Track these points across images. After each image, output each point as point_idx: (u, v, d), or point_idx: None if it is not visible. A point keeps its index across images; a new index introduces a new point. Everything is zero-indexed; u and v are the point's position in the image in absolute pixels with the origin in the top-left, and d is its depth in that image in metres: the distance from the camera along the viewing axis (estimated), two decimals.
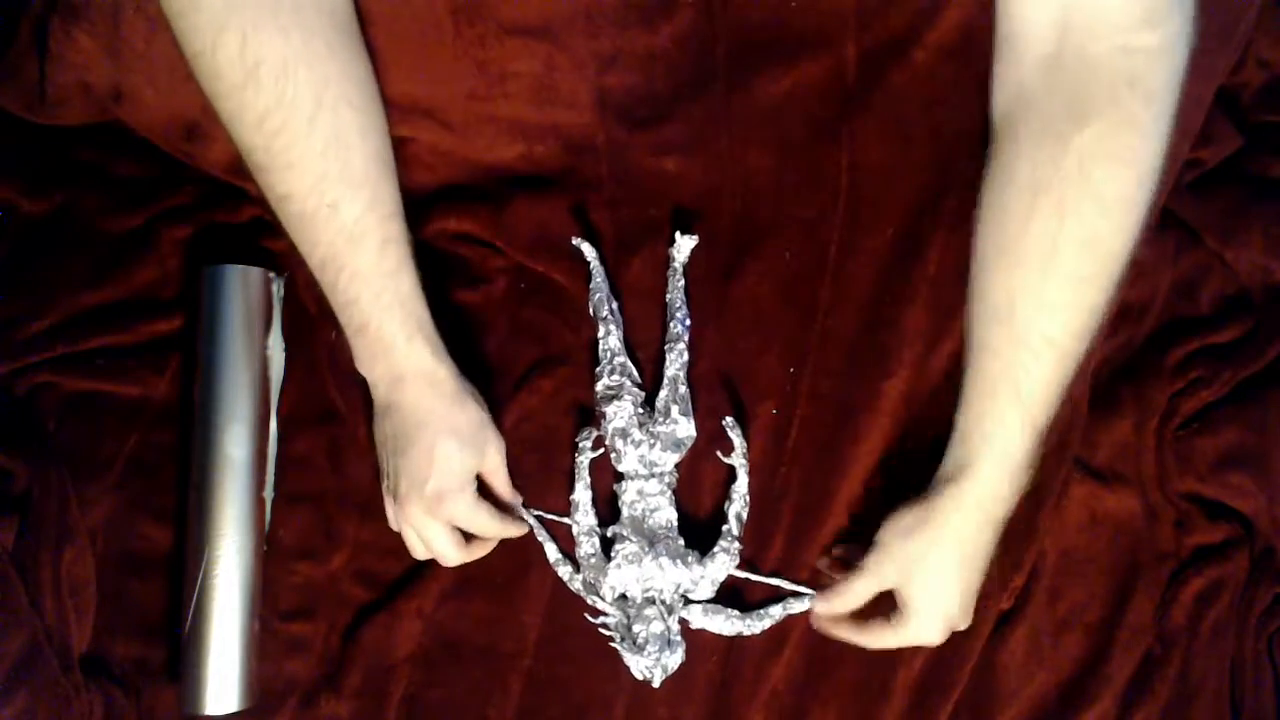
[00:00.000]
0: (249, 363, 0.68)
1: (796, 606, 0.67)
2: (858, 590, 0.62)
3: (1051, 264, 0.56)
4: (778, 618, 0.67)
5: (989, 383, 0.59)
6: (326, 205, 0.57)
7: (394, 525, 0.65)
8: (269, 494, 0.69)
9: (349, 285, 0.59)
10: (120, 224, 0.72)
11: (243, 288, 0.68)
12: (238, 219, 0.73)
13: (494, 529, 0.64)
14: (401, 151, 0.70)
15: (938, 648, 0.66)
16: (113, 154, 0.73)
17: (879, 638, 0.62)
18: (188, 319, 0.71)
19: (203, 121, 0.67)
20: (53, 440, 0.68)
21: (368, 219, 0.58)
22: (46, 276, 0.71)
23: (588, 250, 0.71)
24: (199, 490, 0.66)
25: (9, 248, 0.71)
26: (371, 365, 0.62)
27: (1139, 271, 0.70)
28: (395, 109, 0.66)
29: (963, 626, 0.62)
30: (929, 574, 0.60)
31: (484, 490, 0.65)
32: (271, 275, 0.70)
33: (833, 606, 0.63)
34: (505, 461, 0.65)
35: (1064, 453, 0.68)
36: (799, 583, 0.67)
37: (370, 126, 0.60)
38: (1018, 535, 0.68)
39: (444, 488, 0.61)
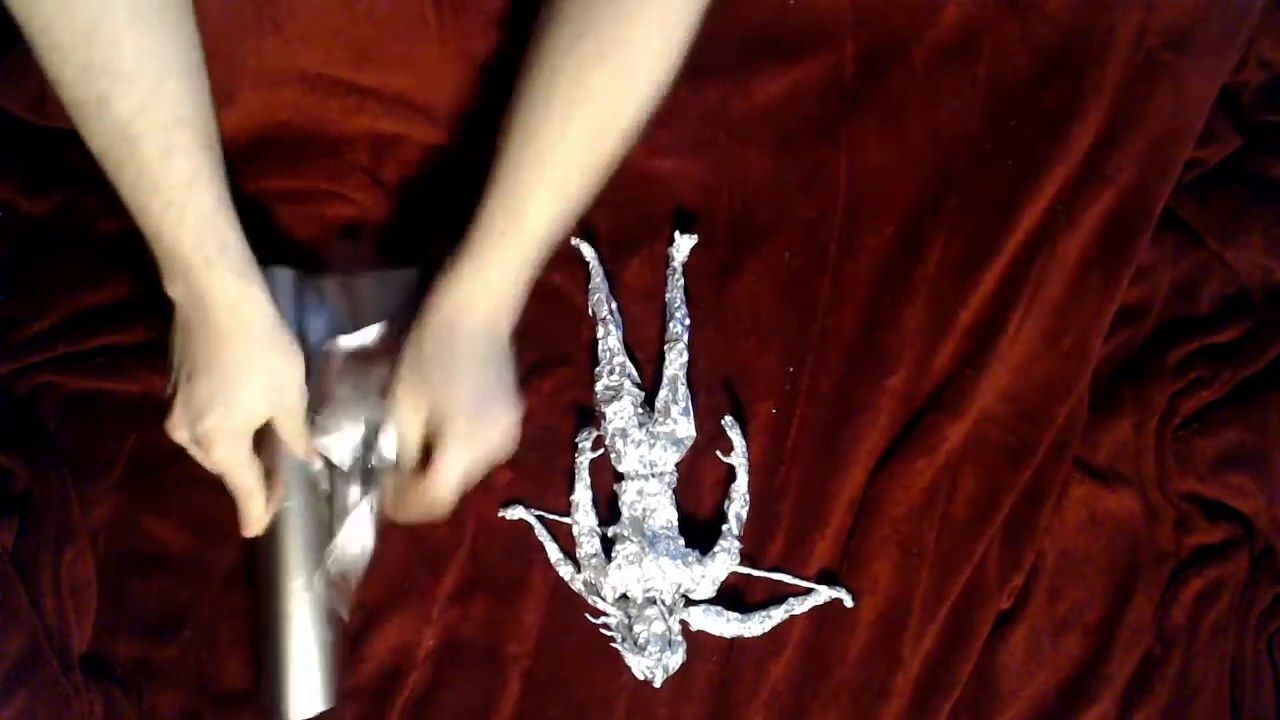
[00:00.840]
0: None
1: (798, 607, 0.67)
2: (403, 431, 0.60)
3: (576, 106, 0.55)
4: (778, 619, 0.67)
5: (493, 198, 0.58)
6: (95, 103, 0.52)
7: (167, 429, 0.62)
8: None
9: (132, 191, 0.54)
10: (121, 224, 0.72)
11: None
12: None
13: (249, 489, 0.61)
14: (394, 150, 0.70)
15: (937, 648, 0.67)
16: None
17: (432, 476, 0.59)
18: None
19: None
20: (53, 440, 0.68)
21: (142, 121, 0.52)
22: (47, 276, 0.71)
23: (587, 250, 0.71)
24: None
25: (9, 248, 0.71)
26: (171, 283, 0.57)
27: (1139, 272, 0.70)
28: (383, 103, 0.66)
29: (505, 441, 0.60)
30: (430, 377, 0.58)
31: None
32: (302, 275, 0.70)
33: (404, 463, 0.62)
34: (302, 421, 0.61)
35: (1063, 453, 0.69)
36: (801, 580, 0.67)
37: (148, 22, 0.52)
38: (1017, 535, 0.68)
39: (217, 431, 0.58)
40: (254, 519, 0.61)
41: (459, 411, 0.58)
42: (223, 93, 0.63)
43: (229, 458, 0.59)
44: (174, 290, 0.58)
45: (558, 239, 0.59)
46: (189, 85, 0.54)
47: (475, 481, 0.60)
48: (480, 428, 0.59)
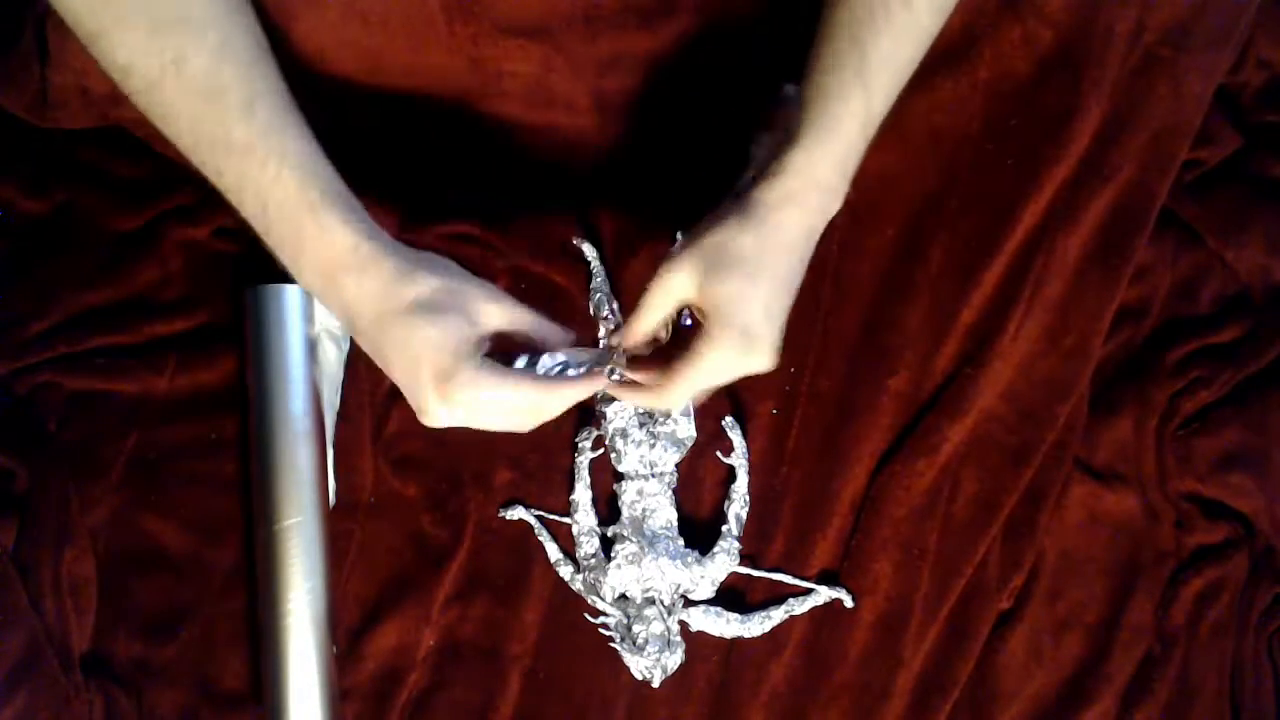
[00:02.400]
0: (295, 382, 0.67)
1: (798, 608, 0.67)
2: (653, 302, 0.55)
3: None
4: (778, 619, 0.67)
5: (834, 43, 0.54)
6: (170, 64, 0.49)
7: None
8: (332, 500, 0.69)
9: (227, 165, 0.50)
10: (121, 224, 0.72)
11: (281, 306, 0.67)
12: (239, 222, 0.72)
13: (529, 395, 0.53)
14: (398, 150, 0.71)
15: (938, 648, 0.67)
16: (113, 154, 0.73)
17: (677, 377, 0.54)
18: (240, 340, 0.70)
19: None
20: (53, 440, 0.68)
21: (223, 71, 0.49)
22: (47, 276, 0.71)
23: (588, 250, 0.71)
24: (266, 518, 0.66)
25: (9, 248, 0.71)
26: (300, 270, 0.52)
27: (1139, 271, 0.70)
28: (391, 107, 0.66)
29: (765, 362, 0.54)
30: (731, 267, 0.52)
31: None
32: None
33: (633, 331, 0.56)
34: (514, 306, 0.54)
35: (1064, 453, 0.69)
36: (801, 580, 0.67)
37: None
38: (1018, 535, 0.68)
39: (443, 374, 0.50)
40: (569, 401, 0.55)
41: (741, 321, 0.52)
42: None
43: (480, 388, 0.51)
44: (304, 275, 0.52)
45: (870, 138, 0.55)
46: (253, 29, 0.52)
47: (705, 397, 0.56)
48: (755, 349, 0.53)
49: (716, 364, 0.53)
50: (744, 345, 0.53)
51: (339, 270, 0.51)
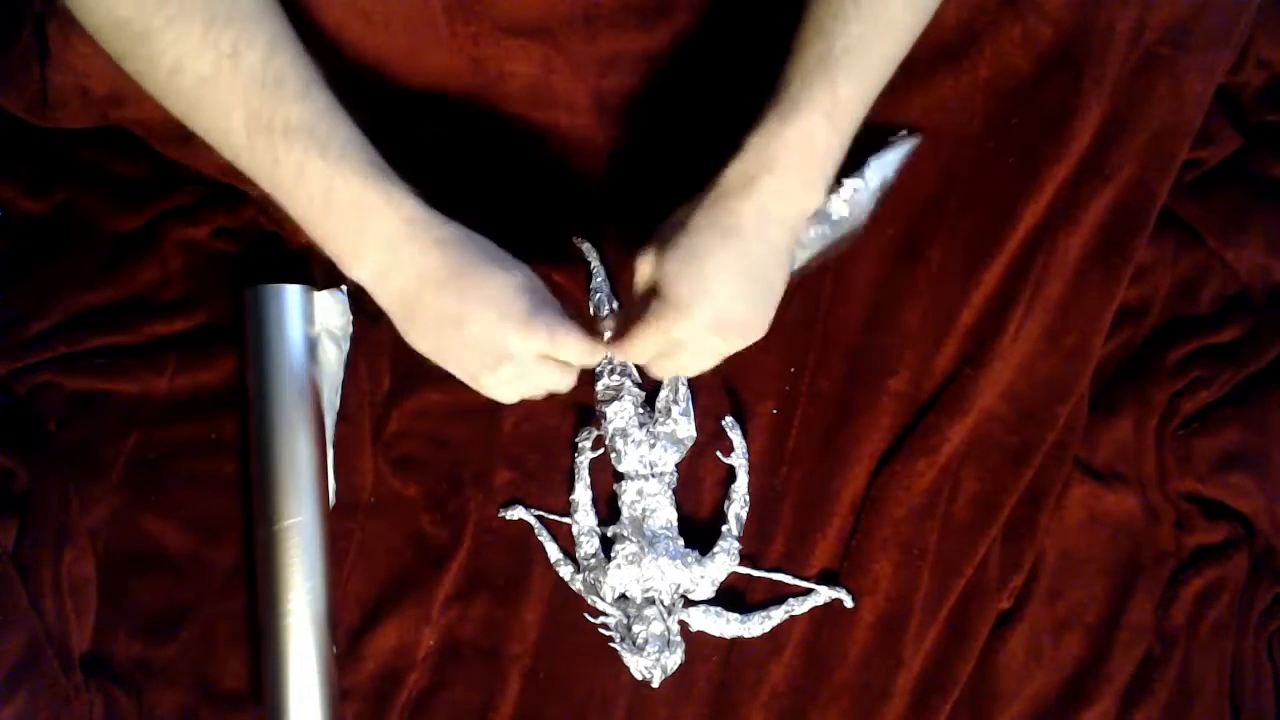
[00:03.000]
0: (295, 382, 0.67)
1: (798, 608, 0.67)
2: (636, 290, 0.57)
3: None
4: (778, 619, 0.67)
5: (803, 35, 0.54)
6: (227, 58, 0.50)
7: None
8: (332, 500, 0.69)
9: (286, 153, 0.51)
10: (121, 224, 0.72)
11: (281, 306, 0.68)
12: (239, 222, 0.73)
13: (580, 349, 0.56)
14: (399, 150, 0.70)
15: (938, 648, 0.67)
16: (113, 154, 0.73)
17: (632, 336, 0.56)
18: (240, 340, 0.70)
19: None
20: (53, 440, 0.68)
21: (279, 59, 0.51)
22: (47, 276, 0.71)
23: (588, 250, 0.71)
24: (266, 518, 0.66)
25: (9, 248, 0.71)
26: (361, 252, 0.53)
27: (1139, 271, 0.70)
28: (391, 107, 0.66)
29: (734, 335, 0.55)
30: (680, 244, 0.53)
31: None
32: (316, 291, 0.70)
33: (615, 326, 0.59)
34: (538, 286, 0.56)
35: (1064, 453, 0.69)
36: (801, 580, 0.67)
37: None
38: (1018, 535, 0.68)
39: (528, 311, 0.54)
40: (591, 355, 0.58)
41: (678, 296, 0.53)
42: None
43: (560, 353, 0.55)
44: (365, 263, 0.54)
45: (873, 101, 0.55)
46: (289, 22, 0.53)
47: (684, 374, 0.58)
48: (695, 325, 0.54)
49: (657, 336, 0.55)
50: (684, 320, 0.54)
51: (405, 241, 0.53)
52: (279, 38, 0.52)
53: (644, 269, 0.56)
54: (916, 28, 0.56)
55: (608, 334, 0.59)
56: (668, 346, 0.56)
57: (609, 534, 0.68)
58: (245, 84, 0.51)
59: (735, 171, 0.54)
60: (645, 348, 0.57)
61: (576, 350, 0.56)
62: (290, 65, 0.51)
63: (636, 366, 0.70)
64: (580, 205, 0.72)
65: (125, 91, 0.66)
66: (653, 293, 0.55)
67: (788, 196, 0.54)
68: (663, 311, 0.54)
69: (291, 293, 0.68)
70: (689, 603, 0.67)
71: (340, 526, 0.69)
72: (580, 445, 0.69)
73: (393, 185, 0.53)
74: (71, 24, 0.64)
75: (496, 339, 0.54)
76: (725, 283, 0.53)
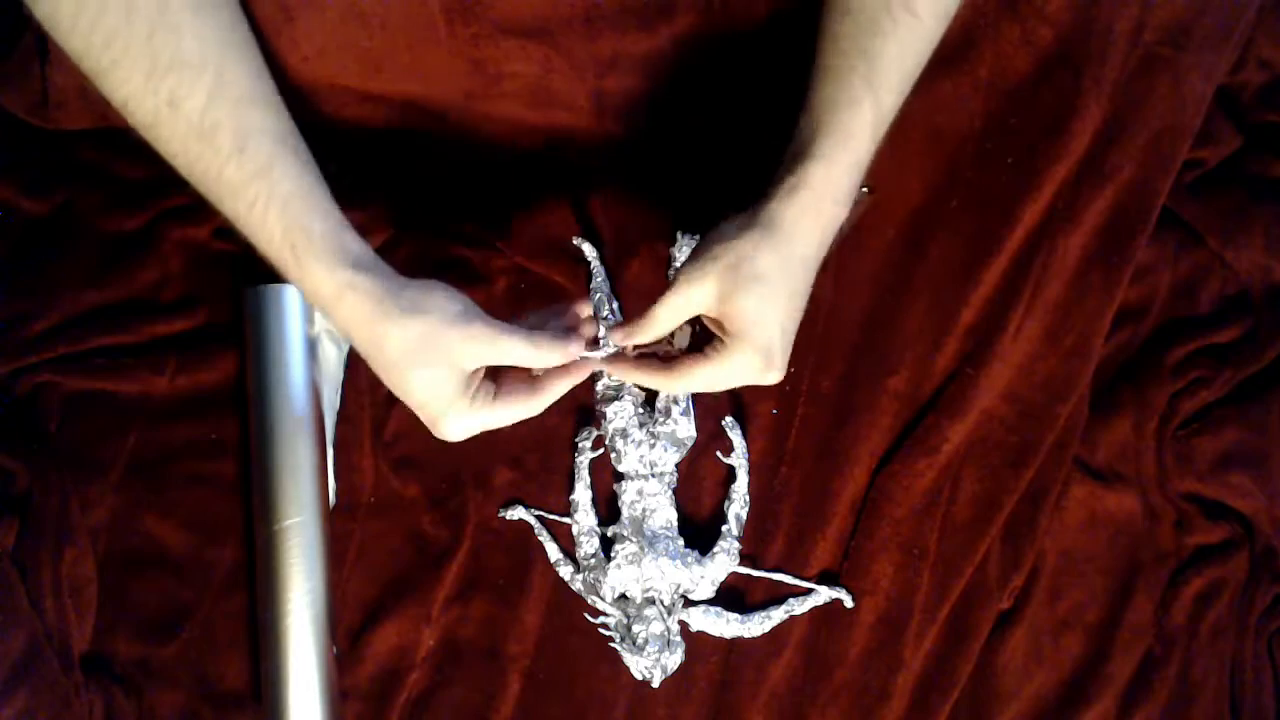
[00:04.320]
0: (295, 382, 0.67)
1: (798, 608, 0.67)
2: (665, 314, 0.56)
3: None
4: (778, 620, 0.67)
5: (840, 52, 0.54)
6: (166, 105, 0.50)
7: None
8: (332, 500, 0.69)
9: (220, 202, 0.52)
10: (121, 224, 0.72)
11: (281, 306, 0.68)
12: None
13: (512, 418, 0.56)
14: (400, 150, 0.71)
15: (938, 648, 0.67)
16: (114, 154, 0.73)
17: (686, 374, 0.56)
18: (240, 340, 0.70)
19: None
20: (53, 440, 0.68)
21: (215, 110, 0.50)
22: (47, 276, 0.71)
23: (588, 250, 0.71)
24: (266, 518, 0.66)
25: (9, 248, 0.71)
26: (305, 295, 0.54)
27: (1139, 272, 0.70)
28: (391, 107, 0.66)
29: (777, 376, 0.55)
30: (752, 286, 0.53)
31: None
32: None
33: (633, 335, 0.57)
34: (498, 338, 0.53)
35: (1064, 453, 0.69)
36: (801, 580, 0.67)
37: (203, 6, 0.51)
38: (1018, 535, 0.68)
39: (432, 414, 0.54)
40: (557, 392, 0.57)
41: (763, 341, 0.53)
42: None
43: (467, 426, 0.55)
44: (310, 300, 0.54)
45: (879, 142, 0.55)
46: (251, 64, 0.53)
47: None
48: (771, 365, 0.54)
49: (729, 375, 0.55)
50: (763, 363, 0.54)
51: (326, 305, 0.52)
52: (220, 86, 0.50)
53: (702, 298, 0.54)
54: (940, 34, 0.56)
55: (605, 332, 0.59)
56: (721, 380, 0.56)
57: (609, 534, 0.68)
58: (182, 133, 0.51)
59: (800, 203, 0.53)
60: (715, 384, 0.56)
61: (504, 420, 0.55)
62: (229, 117, 0.50)
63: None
64: (580, 204, 0.72)
65: None
66: (704, 321, 0.55)
67: (838, 220, 0.55)
68: (737, 351, 0.54)
69: (291, 293, 0.68)
70: (689, 603, 0.67)
71: (340, 526, 0.69)
72: (580, 445, 0.69)
73: (313, 255, 0.51)
74: None
75: (439, 348, 0.52)
76: (790, 323, 0.55)
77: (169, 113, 0.50)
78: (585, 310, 0.60)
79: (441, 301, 0.53)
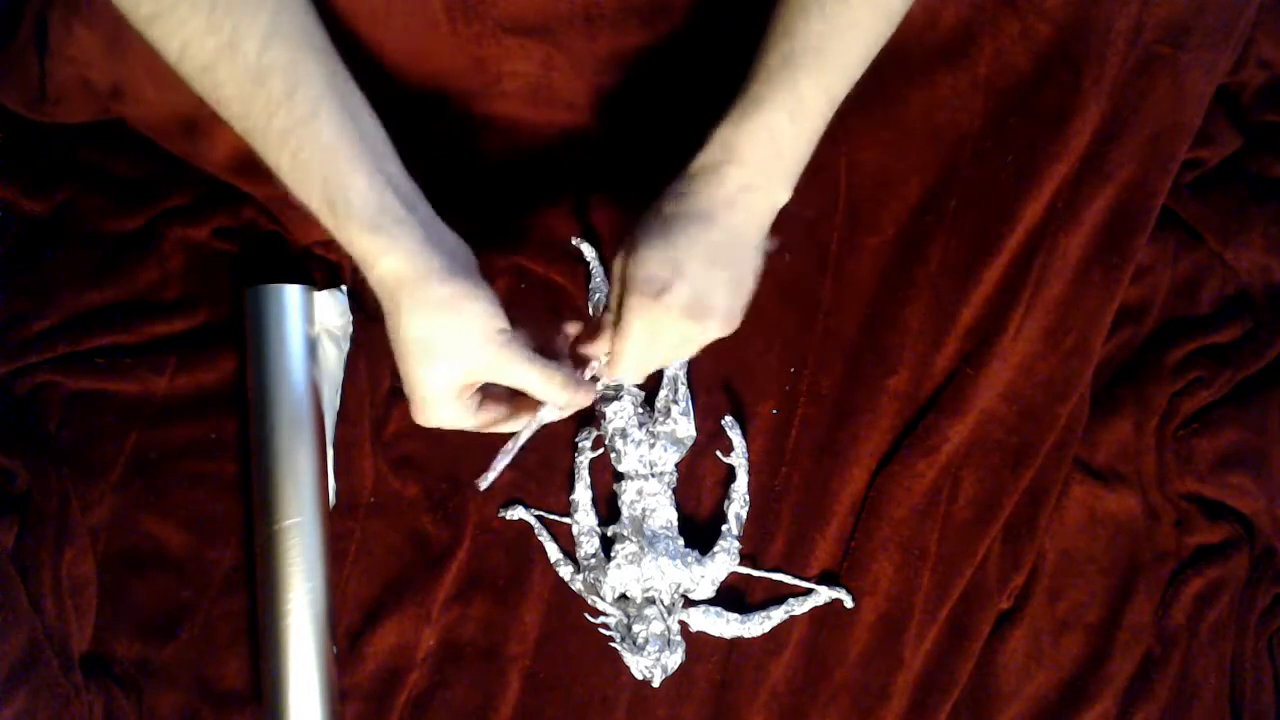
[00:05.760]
0: (295, 382, 0.67)
1: (798, 608, 0.67)
2: (613, 293, 0.56)
3: None
4: (778, 619, 0.67)
5: (769, 35, 0.55)
6: (226, 46, 0.49)
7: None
8: (332, 500, 0.69)
9: (269, 151, 0.51)
10: (121, 224, 0.72)
11: (281, 306, 0.68)
12: (239, 222, 0.73)
13: (486, 428, 0.57)
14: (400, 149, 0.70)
15: (938, 648, 0.67)
16: (114, 154, 0.73)
17: (619, 360, 0.57)
18: (240, 340, 0.70)
19: (202, 118, 0.67)
20: (53, 440, 0.68)
21: (270, 54, 0.49)
22: (47, 276, 0.71)
23: (588, 250, 0.71)
24: (266, 518, 0.66)
25: (9, 248, 0.71)
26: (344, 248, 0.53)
27: (1139, 271, 0.70)
28: (391, 106, 0.66)
29: (715, 323, 0.55)
30: (647, 234, 0.54)
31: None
32: (316, 291, 0.70)
33: (596, 346, 0.58)
34: (511, 363, 0.53)
35: (1064, 453, 0.69)
36: (801, 580, 0.67)
37: None
38: (1018, 535, 0.68)
39: (419, 397, 0.54)
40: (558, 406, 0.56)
41: (651, 284, 0.53)
42: None
43: (450, 419, 0.55)
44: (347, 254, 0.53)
45: (839, 101, 0.55)
46: (304, 5, 0.52)
47: (663, 365, 0.58)
48: (669, 311, 0.54)
49: (641, 330, 0.55)
50: (658, 307, 0.53)
51: (360, 264, 0.52)
52: (275, 29, 0.50)
53: (617, 265, 0.56)
54: (884, 29, 0.56)
55: (597, 370, 0.59)
56: (648, 340, 0.56)
57: (609, 534, 0.68)
58: (238, 77, 0.50)
59: (701, 162, 0.55)
60: (643, 346, 0.56)
61: (536, 386, 0.54)
62: (282, 62, 0.50)
63: None
64: (580, 204, 0.72)
65: (127, 84, 0.66)
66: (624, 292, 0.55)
67: (753, 188, 0.55)
68: (639, 298, 0.54)
69: (291, 293, 0.68)
70: (689, 603, 0.67)
71: (340, 526, 0.69)
72: (580, 445, 0.69)
73: (349, 217, 0.50)
74: (74, 13, 0.64)
75: (460, 355, 0.53)
76: (697, 265, 0.53)
77: (228, 55, 0.49)
78: (573, 328, 0.61)
79: (482, 313, 0.52)
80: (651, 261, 0.54)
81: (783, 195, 0.56)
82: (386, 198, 0.51)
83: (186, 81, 0.51)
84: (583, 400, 0.56)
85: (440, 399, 0.54)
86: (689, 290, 0.53)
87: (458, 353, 0.52)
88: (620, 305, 0.56)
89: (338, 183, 0.50)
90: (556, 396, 0.55)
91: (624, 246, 0.56)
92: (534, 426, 0.57)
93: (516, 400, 0.58)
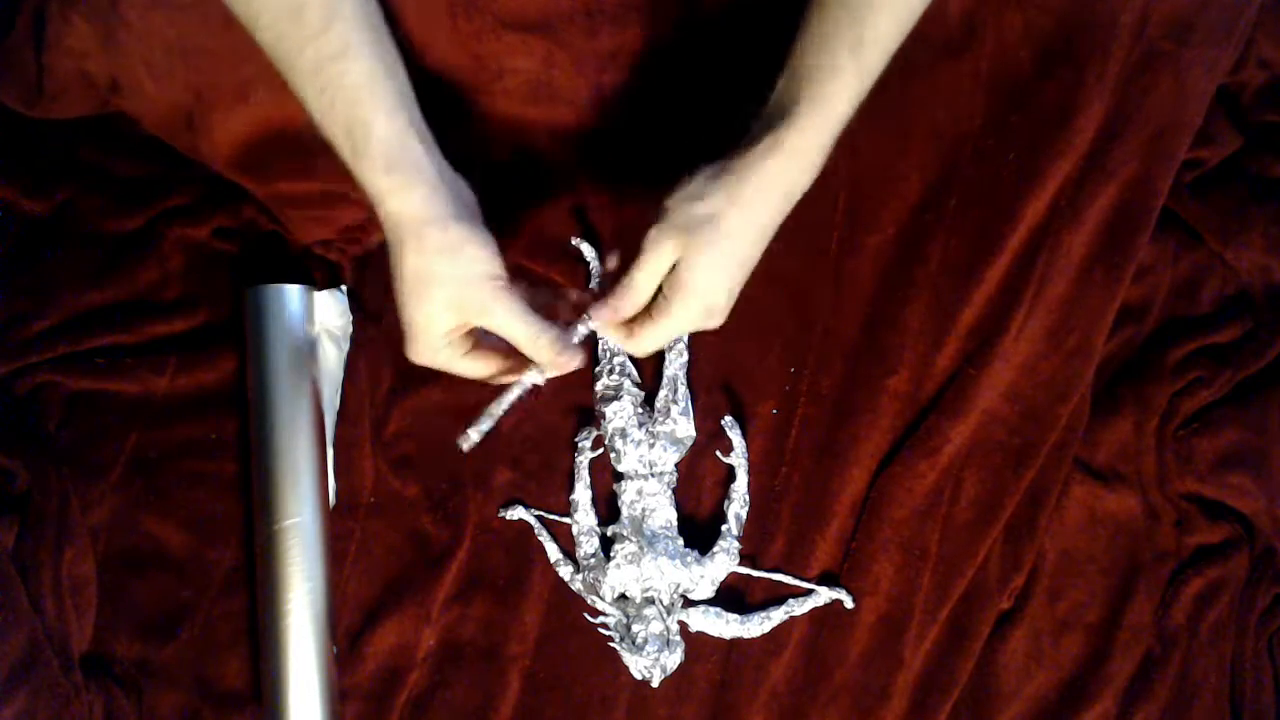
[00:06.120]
0: (295, 382, 0.67)
1: (798, 608, 0.67)
2: (644, 279, 0.55)
3: None
4: (778, 620, 0.67)
5: (831, 20, 0.54)
6: None
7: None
8: (332, 500, 0.69)
9: (298, 83, 0.52)
10: (121, 224, 0.72)
11: (281, 306, 0.68)
12: (239, 222, 0.73)
13: (471, 375, 0.57)
14: None
15: (938, 648, 0.67)
16: (114, 153, 0.73)
17: (640, 337, 0.57)
18: (240, 340, 0.70)
19: (201, 110, 0.67)
20: (53, 440, 0.68)
21: None
22: (47, 276, 0.71)
23: (587, 250, 0.71)
24: (266, 518, 0.66)
25: (9, 248, 0.71)
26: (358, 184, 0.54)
27: (1139, 271, 0.70)
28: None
29: (715, 322, 0.56)
30: (713, 246, 0.53)
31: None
32: (316, 291, 0.70)
33: (620, 309, 0.56)
34: (514, 319, 0.54)
35: (1065, 453, 0.68)
36: (801, 580, 0.67)
37: None
38: (1018, 535, 0.68)
39: (412, 333, 0.55)
40: (546, 366, 0.56)
41: (708, 299, 0.54)
42: (238, 92, 0.63)
43: (441, 362, 0.55)
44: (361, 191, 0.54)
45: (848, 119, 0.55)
46: None
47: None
48: (712, 319, 0.56)
49: (674, 330, 0.56)
50: (705, 317, 0.55)
51: (373, 200, 0.53)
52: None
53: (663, 252, 0.54)
54: (924, 6, 0.56)
55: (590, 311, 0.58)
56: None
57: (609, 534, 0.68)
58: (276, 5, 0.51)
59: (773, 165, 0.53)
60: (656, 341, 0.57)
61: (522, 338, 0.55)
62: None
63: (632, 360, 0.70)
64: (580, 203, 0.72)
65: (125, 77, 0.66)
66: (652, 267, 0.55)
67: (803, 186, 0.55)
68: (681, 309, 0.54)
69: (291, 293, 0.68)
70: (689, 603, 0.67)
71: (340, 526, 0.69)
72: (580, 445, 0.69)
73: (367, 163, 0.52)
74: (72, 6, 0.64)
75: (456, 295, 0.53)
76: (737, 286, 0.55)
77: None
78: (575, 295, 0.61)
79: (480, 258, 0.53)
80: (717, 286, 0.54)
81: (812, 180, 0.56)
82: (406, 140, 0.52)
83: (226, 3, 0.52)
84: (568, 362, 0.56)
85: (432, 335, 0.54)
86: (728, 298, 0.55)
87: (452, 291, 0.53)
88: (658, 304, 0.56)
89: (361, 120, 0.52)
90: (542, 353, 0.55)
91: (669, 234, 0.54)
92: (519, 389, 0.57)
93: (508, 357, 0.57)
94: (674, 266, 0.54)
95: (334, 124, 0.52)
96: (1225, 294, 0.73)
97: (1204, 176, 0.74)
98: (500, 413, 0.58)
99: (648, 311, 0.57)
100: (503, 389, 0.58)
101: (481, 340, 0.57)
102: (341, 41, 0.51)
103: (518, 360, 0.57)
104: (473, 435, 0.58)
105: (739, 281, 0.55)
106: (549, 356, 0.55)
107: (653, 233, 0.54)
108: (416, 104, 0.54)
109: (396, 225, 0.53)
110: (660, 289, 0.55)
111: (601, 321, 0.57)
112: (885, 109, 0.68)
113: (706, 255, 0.53)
